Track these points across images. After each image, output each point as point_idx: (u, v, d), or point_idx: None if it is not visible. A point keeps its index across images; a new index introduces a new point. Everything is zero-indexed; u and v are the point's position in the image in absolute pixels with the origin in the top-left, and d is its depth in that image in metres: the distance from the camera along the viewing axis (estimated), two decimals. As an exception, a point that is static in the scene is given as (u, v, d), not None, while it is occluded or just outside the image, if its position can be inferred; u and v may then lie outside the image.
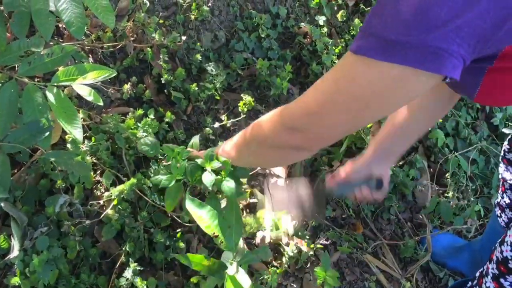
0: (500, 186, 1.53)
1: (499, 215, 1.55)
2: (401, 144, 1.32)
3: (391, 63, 0.72)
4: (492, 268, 1.29)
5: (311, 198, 1.44)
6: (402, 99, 0.81)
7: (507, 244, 1.25)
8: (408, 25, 0.69)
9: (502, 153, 1.46)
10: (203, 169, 1.32)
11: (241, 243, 1.40)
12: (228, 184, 1.28)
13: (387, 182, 1.35)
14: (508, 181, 1.45)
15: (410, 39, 0.70)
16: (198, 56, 1.83)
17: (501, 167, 1.48)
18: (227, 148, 1.27)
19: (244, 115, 1.82)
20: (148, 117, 1.61)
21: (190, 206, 1.29)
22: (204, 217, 1.28)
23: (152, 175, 1.52)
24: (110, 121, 1.52)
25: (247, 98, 1.81)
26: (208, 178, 1.28)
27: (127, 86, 1.64)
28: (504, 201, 1.51)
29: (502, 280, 1.26)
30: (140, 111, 1.62)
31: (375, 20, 0.74)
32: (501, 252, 1.26)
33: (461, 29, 0.68)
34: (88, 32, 1.72)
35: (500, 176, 1.50)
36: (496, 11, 0.67)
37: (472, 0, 0.66)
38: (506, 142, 1.43)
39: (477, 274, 1.42)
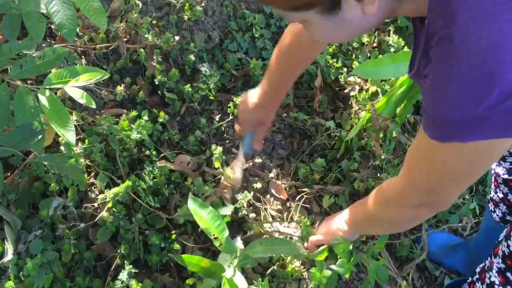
0: (493, 181, 1.53)
1: (493, 210, 1.56)
2: (288, 77, 1.39)
3: (481, 140, 0.74)
4: (498, 263, 1.29)
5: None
6: (497, 157, 0.86)
7: None
8: (482, 99, 0.69)
9: None
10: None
11: (240, 243, 1.39)
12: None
13: (267, 130, 1.51)
14: (502, 176, 1.46)
15: (490, 110, 0.69)
16: (192, 57, 1.82)
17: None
18: (347, 227, 1.35)
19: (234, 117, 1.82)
20: (142, 119, 1.60)
21: (192, 205, 1.29)
22: (205, 218, 1.28)
23: (146, 176, 1.51)
24: (103, 123, 1.51)
25: (238, 99, 1.80)
26: None
27: (120, 88, 1.63)
28: (498, 196, 1.51)
29: (508, 274, 1.26)
30: (133, 113, 1.61)
31: (441, 108, 0.75)
32: (508, 246, 1.26)
33: None
34: (80, 33, 1.71)
35: (492, 171, 1.50)
36: None
37: None
38: None
39: (478, 269, 1.42)
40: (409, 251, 1.79)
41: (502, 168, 1.43)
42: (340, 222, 1.36)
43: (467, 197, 1.99)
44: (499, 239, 1.32)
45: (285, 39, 1.29)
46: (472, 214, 1.95)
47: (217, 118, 1.83)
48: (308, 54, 1.31)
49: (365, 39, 2.13)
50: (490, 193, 1.57)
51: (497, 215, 1.54)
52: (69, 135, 1.16)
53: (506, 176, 1.44)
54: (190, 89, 1.76)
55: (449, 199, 1.01)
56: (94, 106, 1.20)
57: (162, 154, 1.64)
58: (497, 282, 1.29)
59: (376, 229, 1.34)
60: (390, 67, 1.67)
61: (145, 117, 1.61)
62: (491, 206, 1.57)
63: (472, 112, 0.70)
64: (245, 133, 1.50)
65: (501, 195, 1.50)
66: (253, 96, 1.41)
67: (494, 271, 1.30)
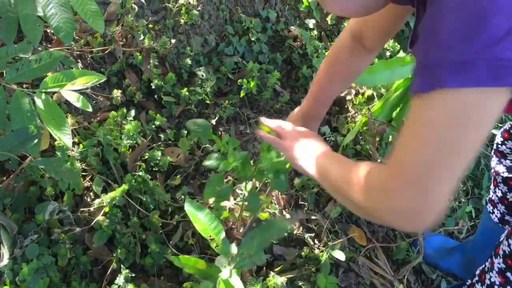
0: (492, 180, 1.53)
1: (491, 211, 1.56)
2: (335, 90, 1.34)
3: (466, 88, 0.69)
4: (498, 263, 1.28)
5: None
6: (487, 120, 0.74)
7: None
8: (470, 40, 0.67)
9: (494, 146, 1.46)
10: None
11: (234, 248, 1.39)
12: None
13: None
14: (501, 174, 1.45)
15: (476, 55, 0.67)
16: (188, 61, 1.82)
17: (493, 161, 1.48)
18: (315, 167, 1.08)
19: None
20: (128, 122, 1.58)
21: (189, 208, 1.29)
22: (202, 220, 1.27)
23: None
24: (98, 134, 1.51)
25: (226, 102, 1.81)
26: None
27: (117, 92, 1.62)
28: (497, 196, 1.51)
29: (508, 273, 1.25)
30: (123, 110, 1.59)
31: (430, 50, 0.71)
32: (509, 245, 1.24)
33: None
34: (77, 37, 1.71)
35: (492, 170, 1.50)
36: None
37: None
38: (499, 135, 1.44)
39: (477, 271, 1.41)
40: (405, 254, 1.80)
41: (502, 166, 1.43)
42: (310, 152, 1.09)
43: (463, 200, 2.00)
44: (500, 240, 1.31)
45: (331, 53, 1.28)
46: (468, 217, 1.95)
47: (213, 121, 1.83)
48: (356, 67, 1.29)
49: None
50: (489, 194, 1.57)
51: (496, 215, 1.54)
52: (65, 138, 1.16)
53: (506, 174, 1.43)
54: (187, 93, 1.76)
55: (438, 197, 0.78)
56: (90, 110, 1.20)
57: (151, 146, 1.63)
58: (497, 283, 1.28)
59: (339, 198, 1.04)
60: (384, 73, 1.67)
61: (130, 117, 1.59)
62: (489, 207, 1.57)
63: (458, 54, 0.68)
64: None
65: (500, 194, 1.50)
66: (299, 108, 1.41)
67: (494, 271, 1.29)
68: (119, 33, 1.74)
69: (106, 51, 1.71)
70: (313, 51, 2.00)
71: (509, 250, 1.24)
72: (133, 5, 1.74)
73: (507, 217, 1.51)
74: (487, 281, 1.31)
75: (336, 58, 1.28)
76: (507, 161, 1.40)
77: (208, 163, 1.34)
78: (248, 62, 1.93)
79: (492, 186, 1.53)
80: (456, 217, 1.94)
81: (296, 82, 2.05)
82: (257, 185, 1.52)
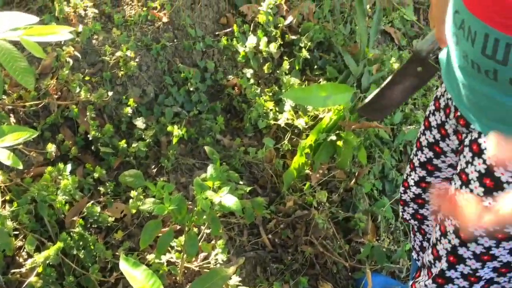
0: (403, 182, 1.48)
1: (402, 210, 1.51)
2: None
3: None
4: (438, 266, 1.22)
5: None
6: None
7: (451, 233, 1.16)
8: None
9: (411, 157, 1.45)
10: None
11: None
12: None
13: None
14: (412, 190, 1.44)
15: None
16: (127, 111, 1.80)
17: (407, 171, 1.45)
18: None
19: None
20: (65, 176, 1.53)
21: (124, 266, 1.25)
22: (138, 278, 1.23)
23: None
24: (31, 190, 1.46)
25: (170, 152, 1.81)
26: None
27: (51, 147, 1.58)
28: (408, 196, 1.47)
29: (451, 271, 1.18)
30: (57, 167, 1.55)
31: None
32: (449, 241, 1.16)
33: None
34: (9, 91, 1.67)
35: (404, 176, 1.46)
36: None
37: None
38: (415, 149, 1.43)
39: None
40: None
41: (411, 179, 1.42)
42: None
43: (402, 239, 2.06)
44: (431, 244, 1.26)
45: None
46: (407, 256, 2.01)
47: (154, 171, 1.81)
48: None
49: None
50: (399, 195, 1.54)
51: (408, 213, 1.52)
52: (-7, 198, 1.11)
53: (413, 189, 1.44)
54: (125, 145, 1.75)
55: None
56: (21, 167, 1.16)
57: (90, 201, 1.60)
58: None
59: None
60: (319, 97, 1.73)
61: (66, 172, 1.55)
62: (401, 209, 1.53)
63: None
64: None
65: (412, 195, 1.47)
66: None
67: (432, 278, 1.24)
68: (53, 86, 1.72)
69: (40, 105, 1.67)
70: (254, 95, 2.04)
71: (450, 246, 1.18)
72: (67, 58, 1.73)
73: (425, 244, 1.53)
74: None
75: None
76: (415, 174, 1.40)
77: (144, 207, 1.33)
78: (188, 112, 1.95)
79: (402, 188, 1.50)
80: (396, 256, 1.99)
81: (236, 130, 2.08)
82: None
